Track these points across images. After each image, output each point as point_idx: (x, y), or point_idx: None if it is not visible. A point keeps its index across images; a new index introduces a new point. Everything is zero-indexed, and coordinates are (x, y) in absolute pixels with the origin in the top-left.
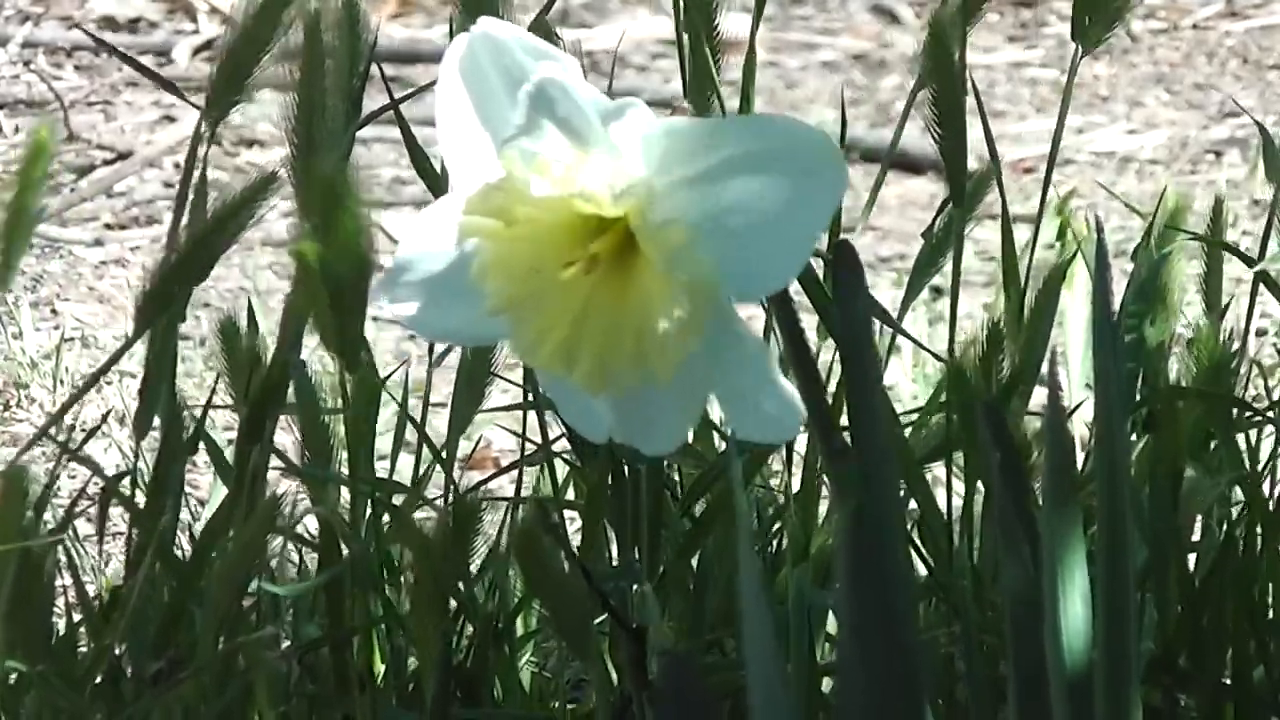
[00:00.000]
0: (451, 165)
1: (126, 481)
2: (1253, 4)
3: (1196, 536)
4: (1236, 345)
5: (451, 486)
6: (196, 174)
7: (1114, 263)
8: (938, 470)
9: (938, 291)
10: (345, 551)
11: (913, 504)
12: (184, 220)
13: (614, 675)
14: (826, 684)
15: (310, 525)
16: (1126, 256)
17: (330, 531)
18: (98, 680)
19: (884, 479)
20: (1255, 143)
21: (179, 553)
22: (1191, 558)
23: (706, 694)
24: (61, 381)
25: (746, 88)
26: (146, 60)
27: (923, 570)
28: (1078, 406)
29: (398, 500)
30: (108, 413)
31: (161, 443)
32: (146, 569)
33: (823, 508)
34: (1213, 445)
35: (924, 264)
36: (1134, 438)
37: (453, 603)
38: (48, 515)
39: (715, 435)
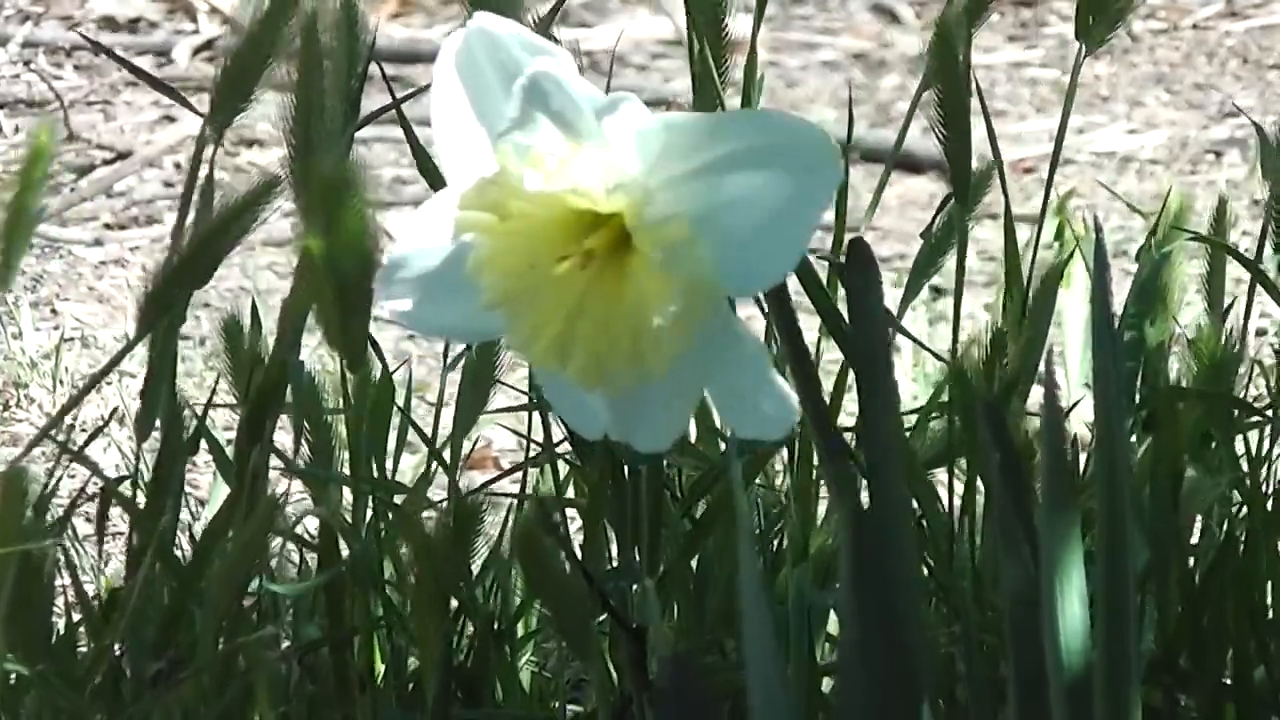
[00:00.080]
0: (447, 161)
1: (126, 482)
2: (1253, 4)
3: (1196, 537)
4: (1237, 345)
5: (454, 487)
6: (201, 178)
7: (1114, 263)
8: (938, 470)
9: (938, 291)
10: (345, 551)
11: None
12: (188, 223)
13: (614, 675)
14: (826, 684)
15: (310, 525)
16: (1127, 256)
17: (330, 531)
18: (98, 681)
19: (890, 476)
20: (1255, 143)
21: (179, 553)
22: (1191, 558)
23: (706, 694)
24: (61, 382)
25: (748, 89)
26: (146, 60)
27: (923, 571)
28: (1075, 405)
29: (398, 500)
30: (112, 413)
31: (162, 443)
32: (146, 569)
33: (822, 508)
34: (1213, 445)
35: (923, 264)
36: (1134, 438)
37: (454, 603)
38: (48, 516)
39: (717, 436)
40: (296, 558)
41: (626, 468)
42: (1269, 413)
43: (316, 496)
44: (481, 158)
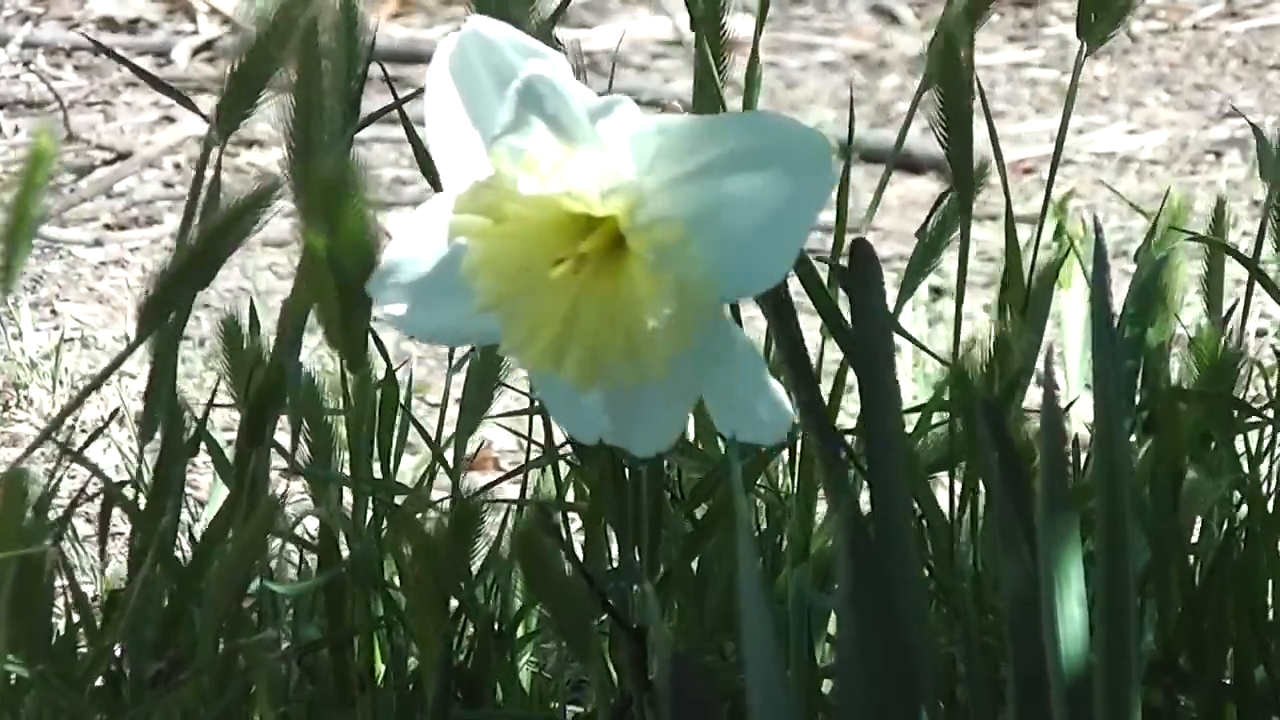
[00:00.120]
0: (442, 164)
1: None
2: (1253, 4)
3: (1196, 537)
4: (1237, 346)
5: (455, 488)
6: (207, 183)
7: (1114, 263)
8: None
9: (937, 292)
10: (345, 552)
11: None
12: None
13: (614, 676)
14: (826, 685)
15: (310, 526)
16: (1126, 257)
17: (330, 532)
18: (98, 681)
19: (891, 476)
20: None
21: (179, 554)
22: (1191, 558)
23: (706, 694)
24: (61, 382)
25: (749, 92)
26: (146, 61)
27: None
28: (1073, 403)
29: (399, 500)
30: (112, 414)
31: (162, 444)
32: (146, 570)
33: (822, 508)
34: (1213, 446)
35: (918, 263)
36: (1134, 439)
37: (454, 603)
38: (48, 516)
39: (718, 437)
40: (296, 558)
41: (627, 469)
42: (1269, 413)
43: (316, 497)
44: (476, 161)
